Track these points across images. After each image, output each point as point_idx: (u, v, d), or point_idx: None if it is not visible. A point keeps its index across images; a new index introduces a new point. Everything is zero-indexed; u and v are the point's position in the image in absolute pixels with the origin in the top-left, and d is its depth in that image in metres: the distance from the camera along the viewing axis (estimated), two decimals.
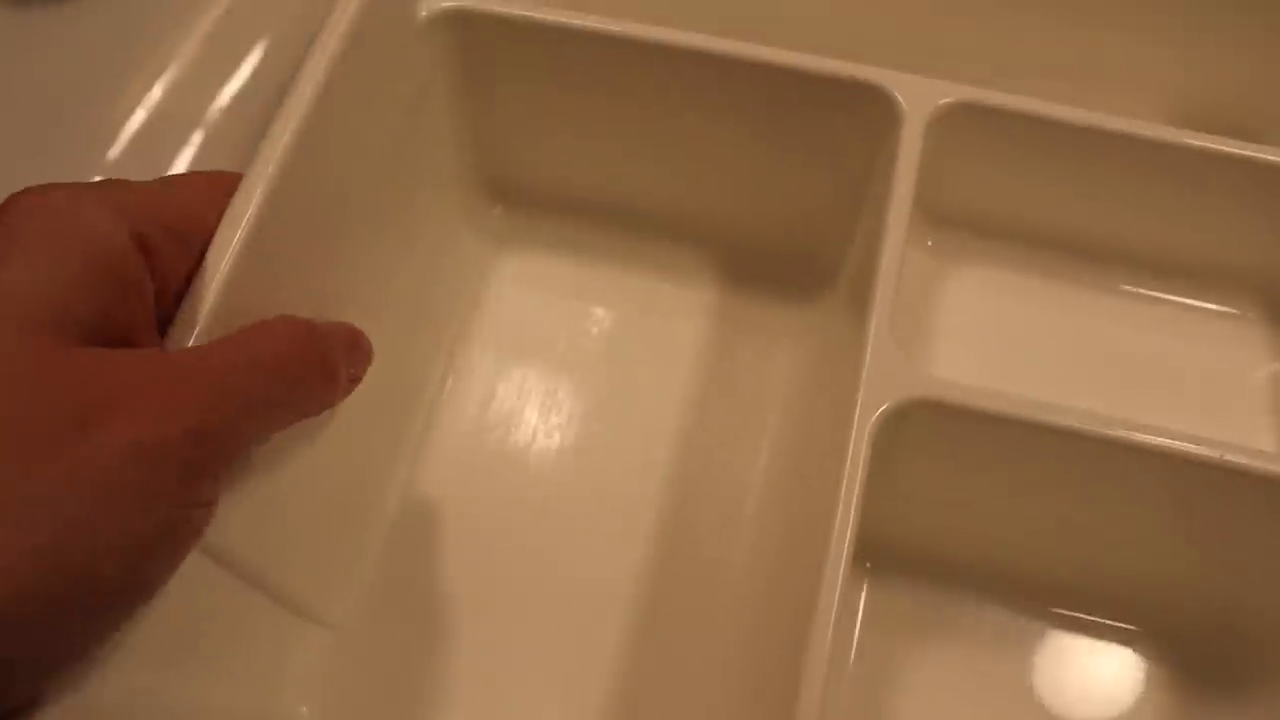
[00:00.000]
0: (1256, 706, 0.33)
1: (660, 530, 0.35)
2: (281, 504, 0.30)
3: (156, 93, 0.42)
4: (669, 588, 0.35)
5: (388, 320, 0.33)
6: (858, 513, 0.27)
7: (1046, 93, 0.35)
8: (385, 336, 0.31)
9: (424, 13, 0.34)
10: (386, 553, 0.35)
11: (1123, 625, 0.34)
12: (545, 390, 0.38)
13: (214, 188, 0.27)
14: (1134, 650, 0.34)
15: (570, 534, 0.36)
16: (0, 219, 0.23)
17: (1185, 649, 0.34)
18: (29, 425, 0.20)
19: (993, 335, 0.38)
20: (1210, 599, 0.33)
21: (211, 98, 0.42)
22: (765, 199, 0.38)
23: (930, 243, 0.39)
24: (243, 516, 0.27)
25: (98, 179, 0.25)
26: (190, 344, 0.25)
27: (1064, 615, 0.34)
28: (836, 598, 0.26)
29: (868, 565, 0.35)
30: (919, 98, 0.33)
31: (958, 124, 0.34)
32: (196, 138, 0.41)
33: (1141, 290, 0.39)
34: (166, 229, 0.25)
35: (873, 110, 0.33)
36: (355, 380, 0.29)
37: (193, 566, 0.24)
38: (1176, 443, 0.29)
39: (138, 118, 0.42)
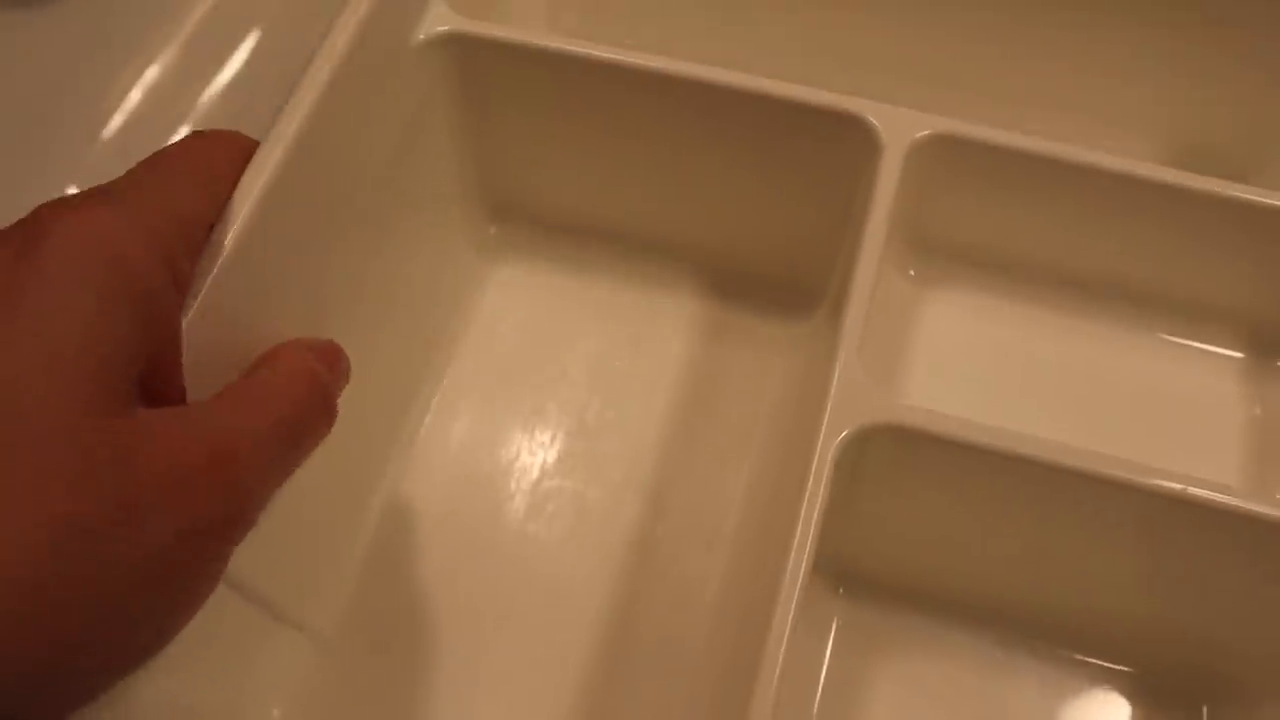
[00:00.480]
0: None
1: (640, 547, 0.36)
2: (265, 510, 0.30)
3: (146, 87, 0.42)
4: (645, 605, 0.35)
5: (380, 333, 0.34)
6: (816, 534, 0.28)
7: (1043, 126, 0.35)
8: (376, 349, 0.31)
9: (421, 35, 0.35)
10: (367, 562, 0.36)
11: (1094, 660, 0.34)
12: (533, 406, 0.38)
13: (215, 178, 0.27)
14: (1106, 686, 0.34)
15: (550, 549, 0.36)
16: (35, 245, 0.21)
17: (1156, 681, 0.34)
18: (82, 505, 0.20)
19: (972, 364, 0.38)
20: (1181, 634, 0.33)
21: (201, 93, 0.42)
22: (754, 223, 0.39)
23: (913, 271, 0.40)
24: None
25: (107, 181, 0.24)
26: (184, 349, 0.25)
27: (1039, 646, 0.34)
28: (792, 615, 0.27)
29: (840, 590, 0.35)
30: (899, 128, 0.34)
31: (938, 155, 0.34)
32: (186, 132, 0.42)
33: (1122, 324, 0.39)
34: (192, 245, 0.25)
35: (854, 139, 0.34)
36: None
37: None
38: (1139, 477, 0.29)
39: (126, 112, 0.42)
